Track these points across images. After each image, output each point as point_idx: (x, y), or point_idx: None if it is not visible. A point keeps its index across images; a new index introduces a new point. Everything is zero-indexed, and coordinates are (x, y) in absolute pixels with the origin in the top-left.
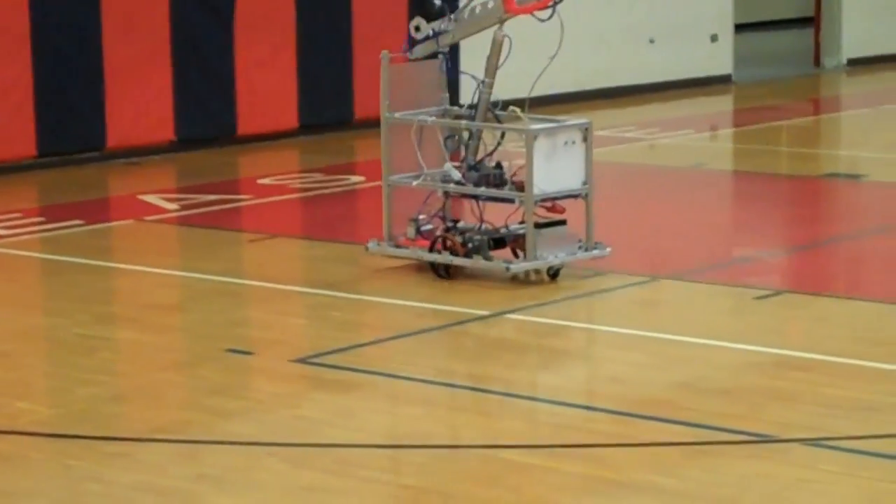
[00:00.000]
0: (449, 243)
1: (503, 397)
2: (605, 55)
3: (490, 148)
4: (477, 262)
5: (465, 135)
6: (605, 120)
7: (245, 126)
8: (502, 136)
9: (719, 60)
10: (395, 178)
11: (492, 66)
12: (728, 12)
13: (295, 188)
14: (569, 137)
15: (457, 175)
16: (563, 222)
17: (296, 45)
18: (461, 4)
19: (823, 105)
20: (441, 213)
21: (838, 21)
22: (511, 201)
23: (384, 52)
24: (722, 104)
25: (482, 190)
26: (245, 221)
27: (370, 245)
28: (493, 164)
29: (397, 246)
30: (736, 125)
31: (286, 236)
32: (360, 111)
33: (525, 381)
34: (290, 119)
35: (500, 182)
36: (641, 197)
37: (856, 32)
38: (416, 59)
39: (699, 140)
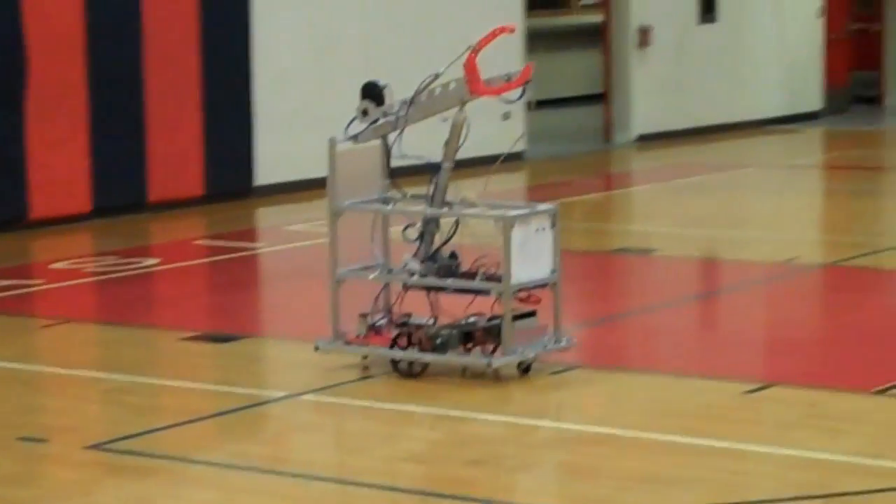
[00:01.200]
0: (415, 339)
1: (302, 480)
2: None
3: (440, 238)
4: (454, 358)
5: (432, 224)
6: None
7: (37, 210)
8: (457, 224)
9: (512, 138)
10: (343, 271)
11: (451, 150)
12: (517, 90)
13: (89, 272)
14: (540, 224)
15: (417, 266)
16: (533, 313)
17: (88, 127)
18: (418, 87)
19: (615, 180)
20: (388, 308)
21: (628, 97)
22: (485, 293)
23: (331, 137)
24: (515, 181)
25: (451, 282)
26: (38, 307)
27: (320, 344)
28: (447, 254)
29: (347, 343)
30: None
31: (80, 321)
32: (154, 194)
33: (326, 462)
34: (84, 202)
35: (457, 273)
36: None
37: (645, 109)
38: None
39: None
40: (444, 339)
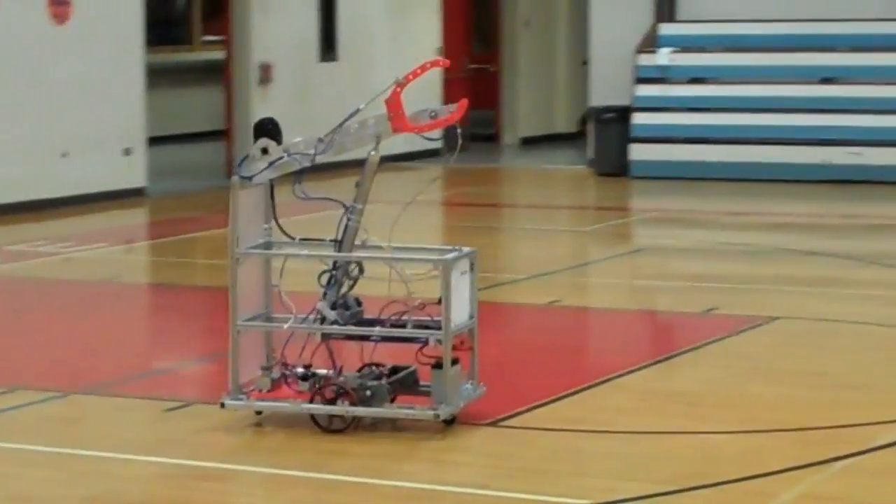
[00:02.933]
0: (339, 392)
1: None
2: (20, 168)
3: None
4: (395, 412)
5: (354, 269)
6: (21, 234)
7: None
8: (361, 270)
9: (133, 173)
10: (244, 322)
11: (364, 191)
12: (140, 125)
13: None
14: (463, 267)
15: (332, 315)
16: (457, 360)
17: None
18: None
19: None
20: (283, 359)
21: (249, 134)
22: (420, 341)
23: (234, 177)
24: (137, 217)
25: (379, 330)
26: None
27: (227, 401)
28: (353, 300)
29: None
30: (151, 238)
31: None
32: None
33: None
34: None
35: (363, 321)
36: (54, 311)
37: None
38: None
39: (114, 253)
40: (372, 390)
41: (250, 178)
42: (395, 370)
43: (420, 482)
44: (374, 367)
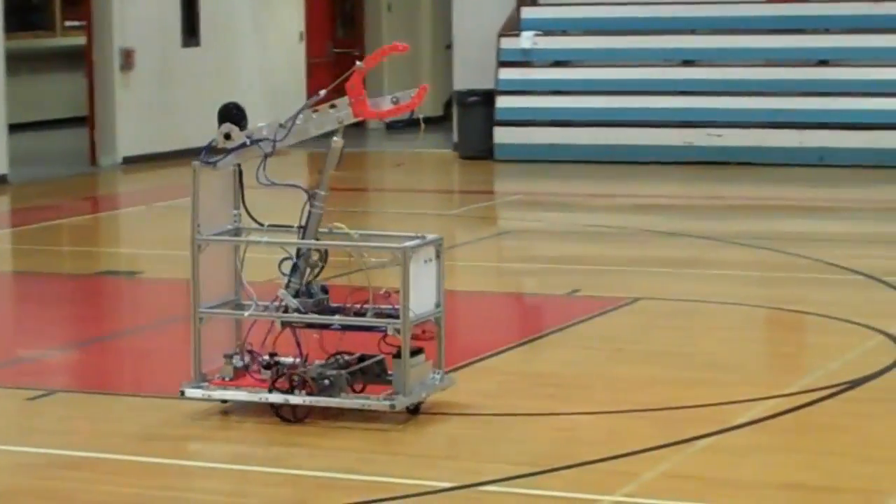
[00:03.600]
0: (299, 381)
1: None
2: None
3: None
4: (351, 401)
5: (315, 256)
6: None
7: None
8: (326, 257)
9: None
10: (205, 308)
11: (327, 178)
12: (0, 112)
13: None
14: (427, 255)
15: (294, 303)
16: (421, 350)
17: None
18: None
19: (101, 203)
20: (248, 347)
21: (113, 120)
22: (379, 329)
23: (195, 162)
24: None
25: (338, 318)
26: None
27: (187, 390)
28: (318, 288)
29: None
30: (13, 225)
31: None
32: None
33: None
34: None
35: (329, 308)
36: None
37: (131, 131)
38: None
39: None
40: (330, 380)
41: (214, 164)
42: (362, 359)
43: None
44: (341, 357)
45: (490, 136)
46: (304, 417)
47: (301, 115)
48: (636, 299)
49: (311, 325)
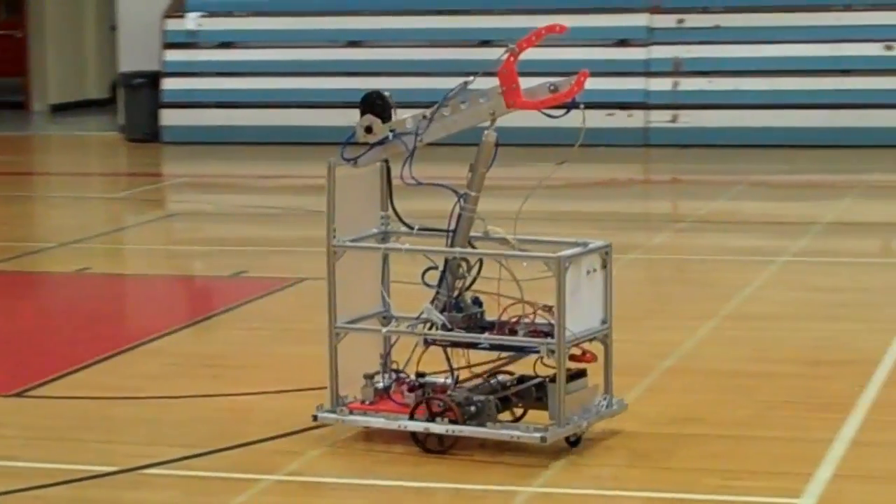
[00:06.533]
0: (442, 407)
1: None
2: None
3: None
4: (497, 432)
5: (464, 266)
6: None
7: None
8: (480, 267)
9: None
10: (342, 324)
11: (479, 177)
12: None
13: None
14: (590, 265)
15: (440, 318)
16: (584, 373)
17: None
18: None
19: None
20: (392, 367)
21: None
22: (534, 351)
23: (331, 159)
24: None
25: (486, 337)
26: None
27: (321, 415)
28: (470, 301)
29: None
30: None
31: None
32: None
33: None
34: None
35: (484, 324)
36: None
37: None
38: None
39: None
40: (478, 407)
41: (355, 161)
42: (521, 380)
43: None
44: (498, 377)
45: (156, 118)
46: (450, 447)
47: (447, 107)
48: (302, 279)
49: (455, 344)
